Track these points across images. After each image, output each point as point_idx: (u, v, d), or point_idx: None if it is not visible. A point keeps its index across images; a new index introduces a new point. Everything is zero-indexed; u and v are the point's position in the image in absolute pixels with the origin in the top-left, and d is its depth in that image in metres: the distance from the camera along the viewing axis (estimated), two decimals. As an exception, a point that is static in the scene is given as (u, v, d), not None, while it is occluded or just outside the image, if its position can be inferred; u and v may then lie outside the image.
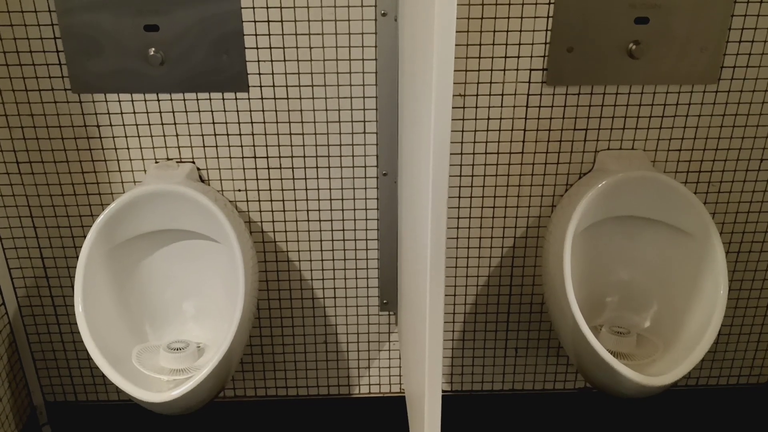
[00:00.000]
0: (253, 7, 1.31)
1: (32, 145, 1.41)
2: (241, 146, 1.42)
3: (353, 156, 1.43)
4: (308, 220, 1.49)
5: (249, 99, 1.38)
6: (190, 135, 1.41)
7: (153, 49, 1.32)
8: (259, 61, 1.35)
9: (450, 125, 0.76)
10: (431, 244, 0.83)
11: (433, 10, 0.70)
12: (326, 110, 1.39)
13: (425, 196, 0.83)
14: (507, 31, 1.33)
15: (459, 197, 1.47)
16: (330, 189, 1.46)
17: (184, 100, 1.38)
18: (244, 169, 1.44)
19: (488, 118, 1.40)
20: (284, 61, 1.35)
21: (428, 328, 0.87)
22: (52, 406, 1.66)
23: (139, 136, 1.41)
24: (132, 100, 1.38)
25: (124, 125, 1.40)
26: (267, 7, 1.31)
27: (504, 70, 1.36)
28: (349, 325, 1.60)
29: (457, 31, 1.33)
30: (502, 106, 1.39)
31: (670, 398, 1.69)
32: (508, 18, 1.32)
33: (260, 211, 1.48)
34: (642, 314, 1.46)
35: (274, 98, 1.38)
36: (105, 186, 1.45)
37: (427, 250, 0.84)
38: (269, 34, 1.33)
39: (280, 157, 1.43)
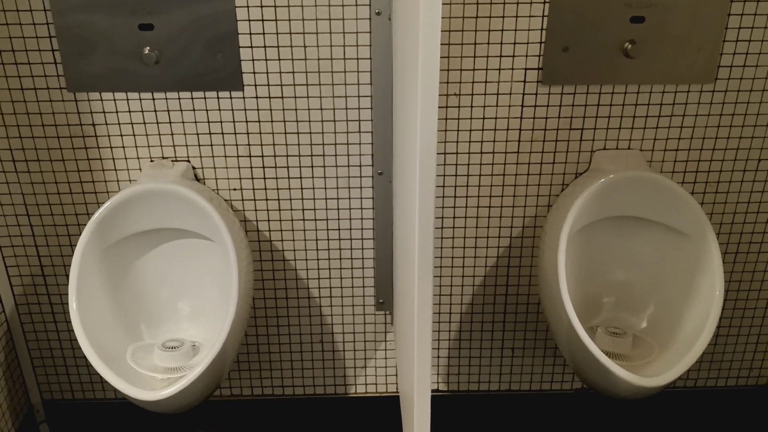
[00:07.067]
0: (248, 6, 1.31)
1: (28, 143, 1.41)
2: (236, 145, 1.42)
3: (348, 155, 1.43)
4: (304, 219, 1.49)
5: (244, 98, 1.38)
6: (185, 134, 1.41)
7: (148, 48, 1.32)
8: (253, 60, 1.35)
9: (436, 124, 0.76)
10: (419, 244, 0.82)
11: (418, 5, 0.70)
12: (321, 109, 1.39)
13: (413, 196, 0.83)
14: (502, 30, 1.33)
15: (455, 197, 1.47)
16: (325, 188, 1.46)
17: (179, 99, 1.38)
18: (239, 168, 1.44)
19: (483, 118, 1.40)
20: (279, 60, 1.35)
21: (417, 328, 0.87)
22: (49, 404, 1.67)
23: (134, 135, 1.41)
24: (127, 99, 1.38)
25: (119, 124, 1.40)
26: (261, 6, 1.31)
27: (499, 69, 1.36)
28: (345, 324, 1.60)
29: (451, 31, 1.32)
30: (497, 106, 1.39)
31: (667, 399, 1.69)
32: (503, 17, 1.32)
33: (256, 210, 1.48)
34: (638, 315, 1.45)
35: (269, 97, 1.38)
36: (100, 184, 1.45)
37: (415, 250, 0.83)
38: (264, 33, 1.33)
39: (275, 156, 1.43)
